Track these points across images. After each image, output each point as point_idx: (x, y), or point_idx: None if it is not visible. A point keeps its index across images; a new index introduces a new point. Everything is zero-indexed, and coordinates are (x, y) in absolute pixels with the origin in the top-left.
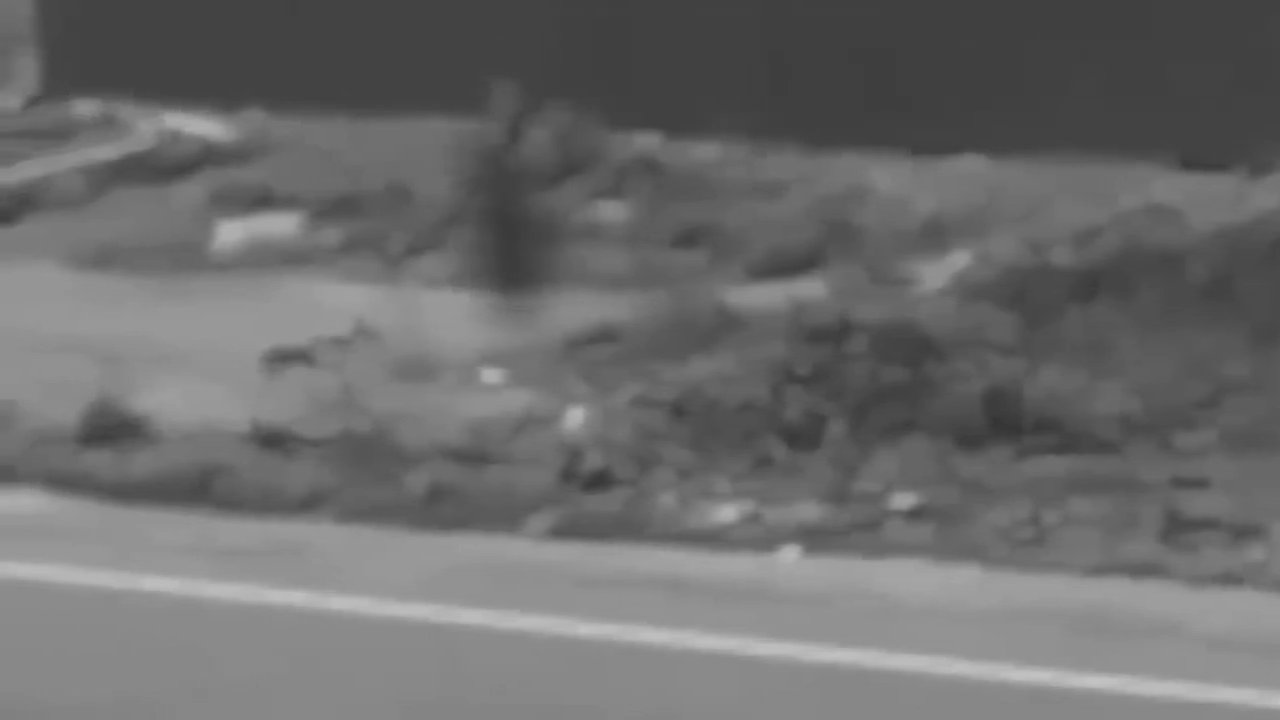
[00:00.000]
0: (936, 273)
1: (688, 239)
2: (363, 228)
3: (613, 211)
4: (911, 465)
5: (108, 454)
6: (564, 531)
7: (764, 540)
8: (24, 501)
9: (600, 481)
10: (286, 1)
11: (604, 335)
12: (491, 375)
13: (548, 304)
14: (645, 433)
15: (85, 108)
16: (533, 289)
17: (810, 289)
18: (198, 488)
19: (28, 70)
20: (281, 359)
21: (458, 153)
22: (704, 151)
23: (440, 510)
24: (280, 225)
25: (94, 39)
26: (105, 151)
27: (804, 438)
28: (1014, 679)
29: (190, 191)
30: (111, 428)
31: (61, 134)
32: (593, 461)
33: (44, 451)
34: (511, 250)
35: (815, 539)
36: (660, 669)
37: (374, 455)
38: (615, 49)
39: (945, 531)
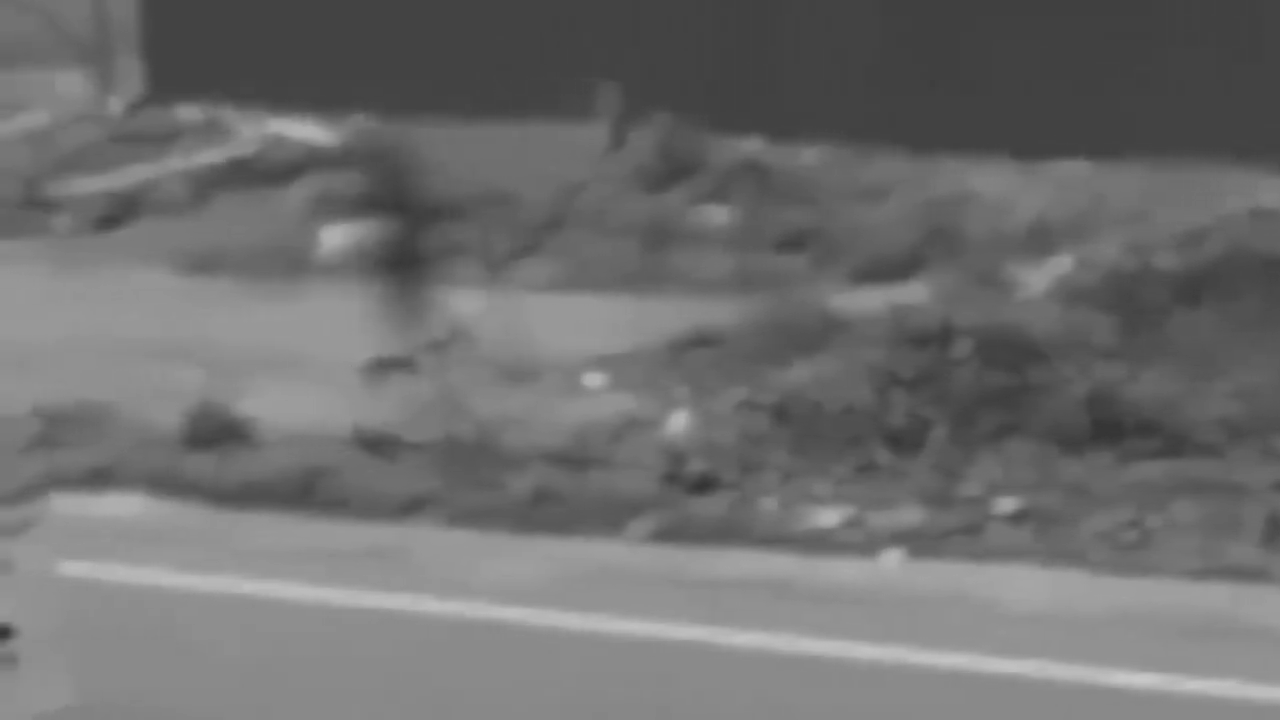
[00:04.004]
0: (1039, 277)
1: (791, 243)
2: (466, 233)
3: (716, 215)
4: (1014, 469)
5: (210, 458)
6: (666, 536)
7: (866, 544)
8: (126, 505)
9: (703, 485)
10: (390, 6)
11: (707, 339)
12: (593, 379)
13: (436, 301)
14: (748, 437)
15: (188, 112)
16: (423, 286)
17: (913, 293)
18: (300, 492)
19: (131, 74)
20: (383, 364)
21: (361, 152)
22: (807, 155)
23: (543, 514)
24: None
25: (197, 43)
26: (209, 156)
27: (906, 442)
28: (1118, 683)
29: (294, 196)
30: (214, 431)
31: (165, 138)
32: (695, 465)
33: (146, 455)
34: (403, 247)
35: (918, 543)
36: (762, 673)
37: (476, 459)
38: (718, 53)
39: (1048, 535)
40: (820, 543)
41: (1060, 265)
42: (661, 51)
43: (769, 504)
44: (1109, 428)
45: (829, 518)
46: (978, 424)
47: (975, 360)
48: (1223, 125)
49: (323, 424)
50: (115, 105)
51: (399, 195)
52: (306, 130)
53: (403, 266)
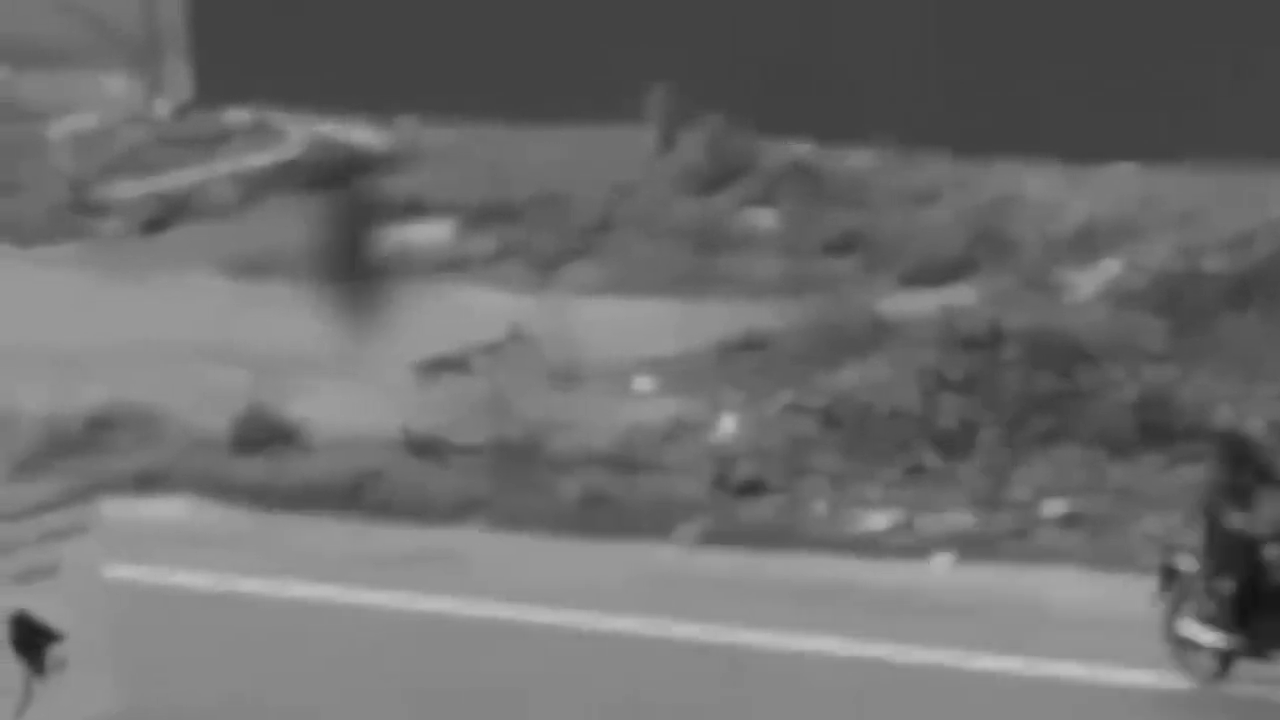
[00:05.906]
0: (1088, 280)
1: (840, 246)
2: (515, 235)
3: (765, 218)
4: (1063, 472)
5: (259, 461)
6: (715, 539)
7: (916, 548)
8: (176, 508)
9: (752, 489)
10: (439, 9)
11: (755, 342)
12: (642, 382)
13: (386, 299)
14: (797, 440)
15: (237, 115)
16: (369, 281)
17: (962, 296)
18: (349, 495)
19: (179, 76)
20: (434, 366)
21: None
22: (857, 158)
23: (592, 518)
24: (433, 233)
25: (246, 46)
26: (257, 159)
27: (956, 445)
28: (1169, 686)
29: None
30: (263, 435)
31: (213, 141)
32: (744, 469)
33: (196, 458)
34: (348, 244)
35: (967, 546)
36: (811, 676)
37: (526, 462)
38: (768, 56)
39: (1097, 539)
40: (870, 546)
41: (1109, 268)
42: (711, 54)
43: (818, 508)
44: (1158, 431)
45: (878, 521)
46: (1027, 427)
47: (1024, 363)
48: (1270, 129)
49: (372, 427)
50: (163, 108)
51: (350, 197)
52: (355, 133)
53: (355, 267)
